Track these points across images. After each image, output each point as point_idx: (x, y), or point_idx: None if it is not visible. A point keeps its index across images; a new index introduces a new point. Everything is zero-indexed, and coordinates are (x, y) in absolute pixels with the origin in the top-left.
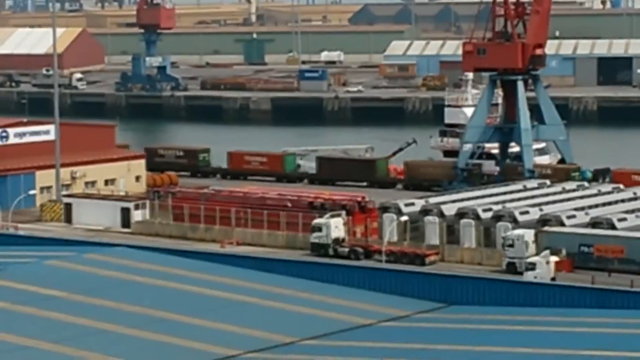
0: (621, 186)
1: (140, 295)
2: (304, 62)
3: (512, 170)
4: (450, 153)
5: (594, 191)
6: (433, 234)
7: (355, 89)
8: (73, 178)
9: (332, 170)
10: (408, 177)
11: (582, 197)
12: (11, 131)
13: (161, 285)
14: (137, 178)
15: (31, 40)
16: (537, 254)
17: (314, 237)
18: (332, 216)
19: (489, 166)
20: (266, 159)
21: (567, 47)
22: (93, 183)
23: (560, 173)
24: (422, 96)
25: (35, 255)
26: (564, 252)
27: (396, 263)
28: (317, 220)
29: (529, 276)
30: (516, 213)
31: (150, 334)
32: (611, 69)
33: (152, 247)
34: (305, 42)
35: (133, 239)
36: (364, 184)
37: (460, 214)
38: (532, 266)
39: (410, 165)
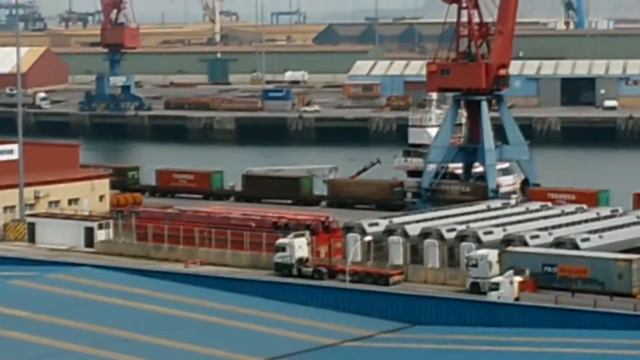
0: (584, 206)
1: (103, 315)
2: (268, 82)
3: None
4: (414, 173)
5: (558, 211)
6: (397, 254)
7: (312, 108)
8: (36, 197)
9: (258, 188)
10: (332, 195)
11: (545, 217)
12: None
13: (124, 305)
14: (101, 198)
15: None
16: (500, 274)
17: (278, 257)
18: (296, 236)
19: (410, 183)
20: (194, 176)
21: (530, 67)
22: (57, 202)
23: (478, 192)
24: (386, 116)
25: None
26: (527, 272)
27: (360, 283)
28: (280, 240)
29: (492, 296)
30: (480, 233)
31: (113, 354)
32: (574, 90)
33: (115, 266)
34: (270, 61)
35: (97, 258)
36: (289, 201)
37: (424, 234)
38: (495, 286)
39: (333, 184)
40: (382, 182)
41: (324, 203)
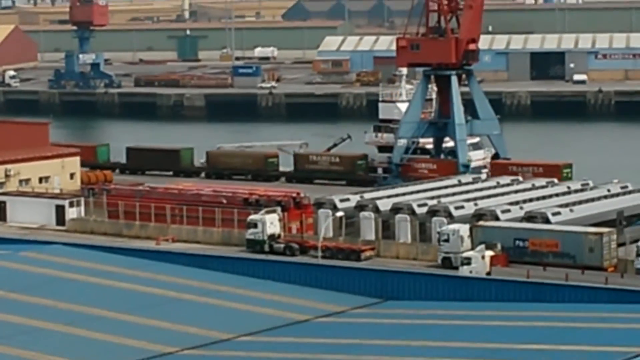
0: (555, 180)
1: (75, 293)
2: (237, 59)
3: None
4: (384, 148)
5: (528, 185)
6: (368, 230)
7: (268, 85)
8: (7, 176)
9: (140, 160)
10: (209, 166)
11: (516, 192)
12: None
13: (97, 282)
14: (72, 175)
15: None
16: (472, 248)
17: (250, 234)
18: (267, 212)
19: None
20: (80, 149)
21: (500, 41)
22: (27, 181)
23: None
24: (356, 92)
25: None
26: (499, 246)
27: (332, 259)
28: (252, 217)
29: (464, 271)
30: (451, 208)
31: (86, 332)
32: (544, 64)
33: (87, 244)
34: (239, 38)
35: (68, 236)
36: (170, 173)
37: (396, 209)
38: (467, 261)
39: (211, 155)
40: (257, 153)
41: (203, 174)
